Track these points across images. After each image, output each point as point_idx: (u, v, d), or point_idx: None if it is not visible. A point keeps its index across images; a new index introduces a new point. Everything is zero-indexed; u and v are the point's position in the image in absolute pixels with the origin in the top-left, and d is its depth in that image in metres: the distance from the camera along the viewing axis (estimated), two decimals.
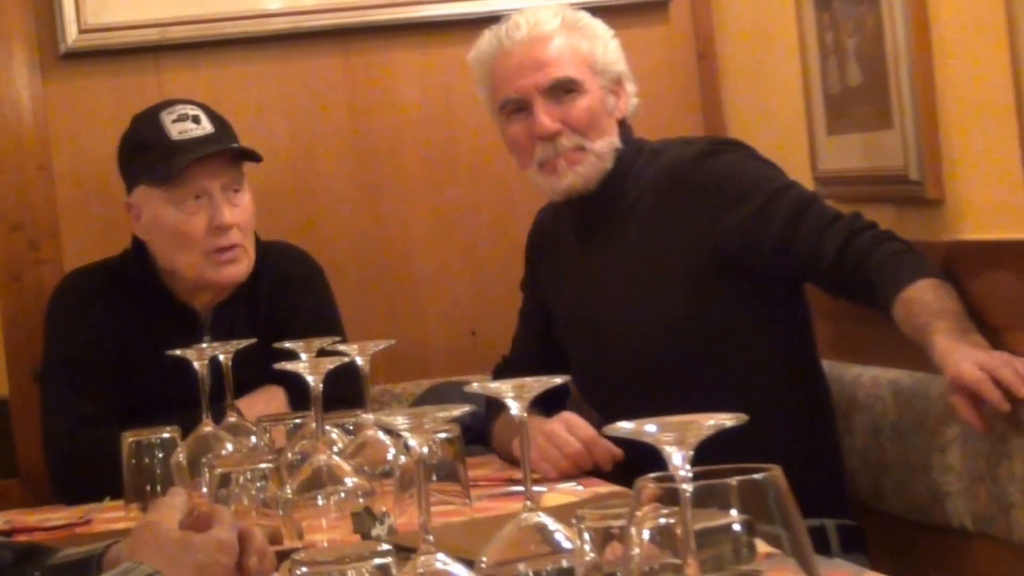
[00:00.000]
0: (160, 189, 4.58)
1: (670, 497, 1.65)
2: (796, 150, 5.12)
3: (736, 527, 1.69)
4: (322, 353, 3.56)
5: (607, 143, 4.50)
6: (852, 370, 4.74)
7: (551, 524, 2.73)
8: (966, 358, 4.02)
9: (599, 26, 4.58)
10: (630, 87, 4.60)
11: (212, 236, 4.59)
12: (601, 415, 4.46)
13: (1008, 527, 4.11)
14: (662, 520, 1.64)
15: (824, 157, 5.14)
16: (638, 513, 1.63)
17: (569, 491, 3.93)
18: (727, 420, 2.17)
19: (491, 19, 5.40)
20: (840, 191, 4.81)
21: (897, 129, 4.73)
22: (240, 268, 4.67)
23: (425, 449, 2.54)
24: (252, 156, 4.71)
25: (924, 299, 4.20)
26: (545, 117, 4.48)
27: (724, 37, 5.83)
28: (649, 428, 2.11)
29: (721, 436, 2.10)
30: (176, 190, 4.57)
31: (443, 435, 3.51)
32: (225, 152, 4.64)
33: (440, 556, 2.46)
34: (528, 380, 2.72)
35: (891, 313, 4.22)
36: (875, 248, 4.31)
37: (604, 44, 4.54)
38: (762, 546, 1.80)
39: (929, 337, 4.14)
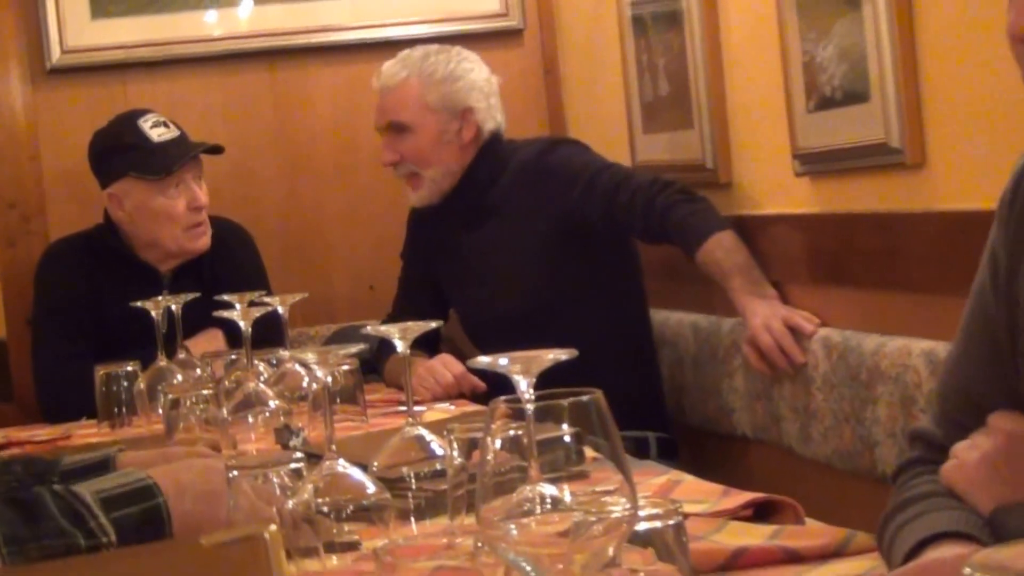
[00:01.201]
0: (146, 181, 4.63)
1: (517, 414, 1.66)
2: (620, 145, 5.12)
3: (567, 438, 1.70)
4: (252, 304, 3.56)
5: (441, 169, 4.57)
6: (661, 314, 4.77)
7: (428, 436, 2.76)
8: (761, 318, 4.14)
9: (450, 69, 4.57)
10: (482, 113, 4.58)
11: (191, 215, 4.67)
12: (484, 352, 4.50)
13: (782, 435, 4.17)
14: (511, 432, 1.64)
15: (641, 151, 5.16)
16: (492, 427, 1.64)
17: (443, 410, 3.99)
18: (562, 354, 2.20)
19: (387, 44, 5.43)
20: (652, 177, 4.80)
21: (696, 129, 4.75)
22: (208, 239, 4.73)
23: (330, 378, 2.58)
24: (217, 150, 4.79)
25: (716, 257, 4.29)
26: (386, 151, 4.64)
27: (565, 57, 5.82)
28: (502, 361, 2.14)
29: (568, 367, 2.14)
30: (163, 181, 4.62)
31: (344, 367, 3.57)
32: (199, 152, 4.71)
33: (341, 462, 2.46)
34: (410, 324, 2.76)
35: (695, 262, 4.31)
36: (673, 208, 4.38)
37: (448, 86, 4.53)
38: (589, 452, 1.81)
39: (730, 293, 4.25)
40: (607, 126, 5.29)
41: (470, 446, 2.34)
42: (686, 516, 2.04)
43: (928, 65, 3.64)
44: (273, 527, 0.93)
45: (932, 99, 3.65)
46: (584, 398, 1.62)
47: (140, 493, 2.44)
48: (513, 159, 4.60)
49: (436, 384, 4.26)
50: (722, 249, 4.28)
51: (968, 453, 2.05)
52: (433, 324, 2.84)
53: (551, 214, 4.46)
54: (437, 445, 2.71)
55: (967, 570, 0.95)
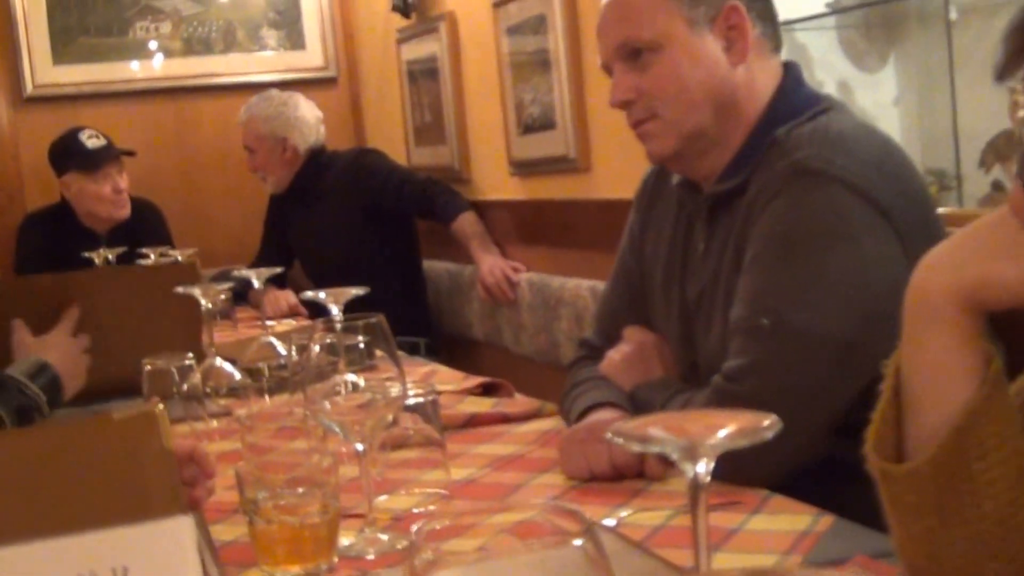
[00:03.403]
0: (83, 174, 4.50)
1: (331, 329, 1.65)
2: (401, 154, 5.06)
3: (361, 345, 1.68)
4: (162, 256, 3.51)
5: (278, 174, 4.52)
6: (428, 262, 4.73)
7: (275, 341, 2.72)
8: (488, 266, 4.18)
9: (276, 110, 4.51)
10: (297, 138, 4.50)
11: (114, 195, 4.54)
12: (317, 287, 4.50)
13: (502, 340, 4.20)
14: (327, 340, 1.64)
15: (414, 158, 5.10)
16: (315, 336, 1.63)
17: (287, 324, 3.90)
18: (359, 290, 2.20)
19: (249, 86, 5.33)
20: (425, 176, 4.78)
21: (448, 145, 4.74)
22: (127, 210, 4.60)
23: (211, 304, 2.53)
24: (130, 153, 4.67)
25: (463, 227, 4.31)
26: (248, 163, 4.59)
27: (365, 96, 5.74)
28: (321, 295, 2.14)
29: (366, 297, 2.14)
30: (94, 174, 4.49)
31: (221, 297, 3.33)
32: (119, 155, 4.58)
33: (218, 359, 2.46)
34: (263, 269, 2.75)
35: (450, 230, 4.34)
36: (438, 196, 4.38)
37: (270, 123, 4.47)
38: (378, 353, 1.79)
39: (470, 250, 4.27)
40: (392, 141, 5.25)
41: (302, 348, 2.31)
42: (440, 394, 2.05)
43: (592, 107, 3.68)
44: (160, 407, 0.90)
45: (594, 128, 3.70)
46: (372, 320, 1.61)
47: (43, 369, 2.43)
48: (335, 162, 4.53)
49: (278, 309, 4.21)
50: (466, 222, 4.31)
51: (616, 353, 2.05)
52: (278, 269, 2.83)
53: (362, 199, 4.41)
54: (282, 347, 2.69)
55: (608, 434, 0.95)
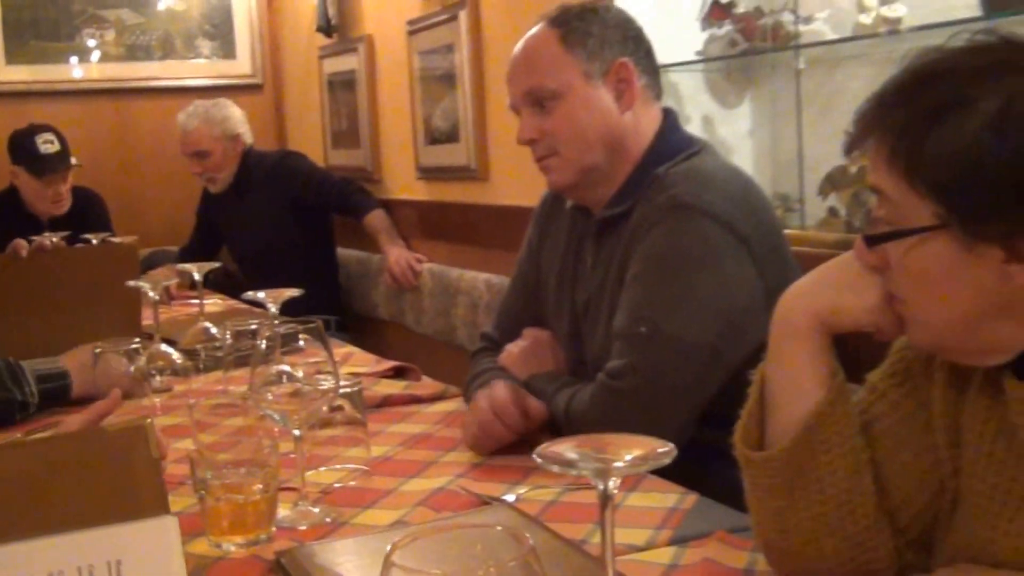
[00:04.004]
0: (33, 176, 4.34)
1: (274, 327, 1.63)
2: (319, 156, 5.02)
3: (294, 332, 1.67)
4: (103, 240, 3.43)
5: (226, 171, 4.38)
6: (342, 250, 4.69)
7: (211, 325, 2.70)
8: (394, 256, 4.15)
9: (223, 112, 4.40)
10: (247, 134, 4.42)
11: (54, 198, 4.38)
12: (243, 271, 4.46)
13: (405, 321, 4.20)
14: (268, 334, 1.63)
15: (331, 159, 5.06)
16: (261, 332, 1.62)
17: (219, 304, 3.86)
18: (293, 292, 2.13)
19: (183, 90, 5.26)
20: (341, 176, 4.76)
21: (362, 148, 4.72)
22: (65, 206, 4.42)
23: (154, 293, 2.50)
24: (78, 166, 4.50)
25: (373, 222, 4.28)
26: (192, 168, 4.42)
27: (288, 102, 5.68)
28: (260, 295, 2.09)
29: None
30: (41, 179, 4.33)
31: (164, 283, 3.37)
32: (68, 167, 4.40)
33: (163, 344, 2.44)
34: (205, 263, 2.71)
35: (363, 224, 4.30)
36: (353, 195, 4.34)
37: (223, 124, 4.34)
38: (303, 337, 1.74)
39: (378, 242, 4.25)
40: (312, 143, 5.20)
41: (236, 333, 2.30)
42: (360, 381, 2.06)
43: (492, 123, 3.70)
44: (149, 420, 0.91)
45: (493, 143, 3.71)
46: (312, 324, 1.61)
47: (59, 373, 2.31)
48: (263, 162, 4.45)
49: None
50: (377, 218, 4.29)
51: (513, 347, 2.08)
52: (216, 264, 2.78)
53: (286, 195, 4.34)
54: (216, 331, 2.68)
55: (534, 455, 0.97)
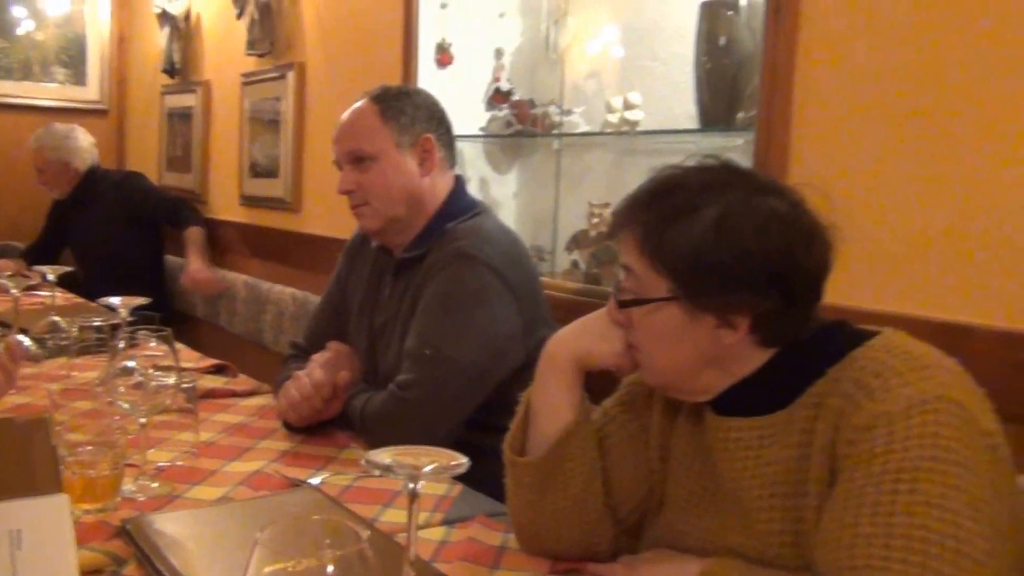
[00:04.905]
0: None
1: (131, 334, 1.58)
2: (155, 176, 4.85)
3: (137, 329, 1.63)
4: None
5: (60, 188, 4.23)
6: (169, 258, 4.55)
7: (58, 318, 2.60)
8: (194, 268, 3.99)
9: (63, 141, 4.18)
10: (77, 161, 4.21)
11: None
12: (84, 273, 4.21)
13: (219, 321, 4.09)
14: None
15: (165, 179, 4.86)
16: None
17: (64, 298, 3.66)
18: (142, 300, 2.00)
19: (33, 108, 4.97)
20: (176, 195, 4.61)
21: (193, 174, 4.60)
22: None
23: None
24: None
25: (190, 235, 4.11)
26: (39, 180, 4.22)
27: (130, 127, 5.43)
28: (113, 300, 1.98)
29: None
30: None
31: (8, 273, 3.20)
32: None
33: (21, 335, 2.33)
34: (50, 267, 2.59)
35: (182, 236, 4.12)
36: (180, 209, 4.18)
37: (57, 151, 4.15)
38: (141, 333, 1.68)
39: (188, 254, 4.08)
40: (149, 164, 5.01)
41: (81, 327, 2.22)
42: (194, 375, 2.03)
43: (307, 164, 3.66)
44: (48, 415, 0.90)
45: (307, 181, 3.67)
46: (164, 332, 1.58)
47: None
48: (108, 179, 4.27)
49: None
50: (194, 232, 4.12)
51: (319, 356, 2.00)
52: (69, 268, 2.68)
53: (127, 209, 4.17)
54: (63, 322, 2.58)
55: (362, 461, 1.00)
